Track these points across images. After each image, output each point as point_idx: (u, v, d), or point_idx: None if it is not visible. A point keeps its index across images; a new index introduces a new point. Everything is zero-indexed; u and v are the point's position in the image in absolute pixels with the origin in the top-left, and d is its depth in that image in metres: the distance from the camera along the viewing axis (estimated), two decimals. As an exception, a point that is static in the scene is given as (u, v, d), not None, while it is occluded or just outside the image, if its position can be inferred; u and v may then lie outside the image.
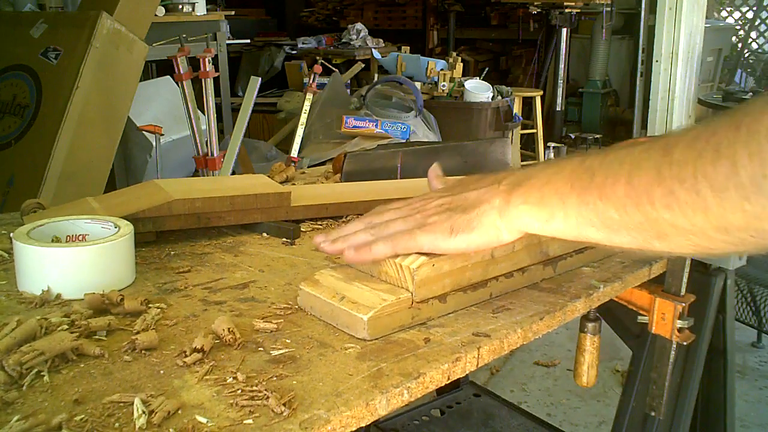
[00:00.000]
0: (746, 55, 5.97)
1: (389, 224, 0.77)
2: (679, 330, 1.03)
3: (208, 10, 4.03)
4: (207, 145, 3.04)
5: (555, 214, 0.66)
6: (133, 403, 0.58)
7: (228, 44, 3.99)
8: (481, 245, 0.73)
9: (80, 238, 0.89)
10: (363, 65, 5.07)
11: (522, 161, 5.28)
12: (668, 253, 0.65)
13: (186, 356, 0.67)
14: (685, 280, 1.02)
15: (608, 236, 0.62)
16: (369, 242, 0.76)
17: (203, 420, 0.57)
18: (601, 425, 2.46)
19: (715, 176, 0.51)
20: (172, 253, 0.98)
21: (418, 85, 4.38)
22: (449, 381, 0.69)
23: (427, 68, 4.73)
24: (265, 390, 0.61)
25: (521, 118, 5.12)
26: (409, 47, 5.57)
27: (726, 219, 0.52)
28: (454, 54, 5.12)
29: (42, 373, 0.63)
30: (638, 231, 0.59)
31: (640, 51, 5.93)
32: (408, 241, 0.74)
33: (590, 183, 0.62)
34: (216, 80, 3.24)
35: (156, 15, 3.17)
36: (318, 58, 4.33)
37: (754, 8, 6.13)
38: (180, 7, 3.71)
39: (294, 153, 3.45)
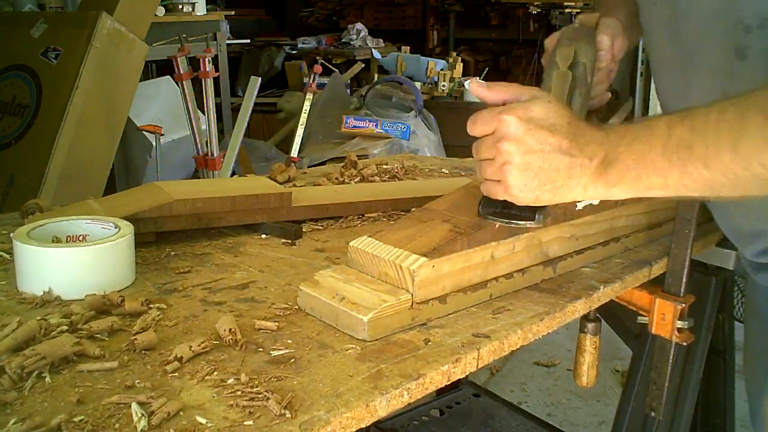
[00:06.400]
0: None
1: (481, 152, 0.75)
2: (679, 330, 1.03)
3: (208, 10, 4.03)
4: (207, 145, 3.04)
5: (653, 187, 0.70)
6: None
7: (228, 44, 3.98)
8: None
9: (80, 238, 0.89)
10: (363, 65, 5.06)
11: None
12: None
13: (186, 357, 0.67)
14: (684, 280, 1.02)
15: (709, 194, 0.68)
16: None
17: (203, 421, 0.57)
18: (601, 425, 2.45)
19: None
20: (172, 253, 0.98)
21: (418, 85, 4.37)
22: (449, 382, 0.69)
23: (427, 68, 4.72)
24: (265, 391, 0.61)
25: (521, 118, 5.10)
26: (409, 47, 5.56)
27: None
28: (454, 54, 5.10)
29: (43, 375, 0.63)
30: (744, 188, 0.65)
31: (640, 51, 5.93)
32: (498, 193, 0.75)
33: (690, 155, 0.66)
34: (216, 80, 3.23)
35: (156, 15, 3.17)
36: (318, 58, 4.32)
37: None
38: (180, 7, 3.70)
39: (294, 153, 3.44)
